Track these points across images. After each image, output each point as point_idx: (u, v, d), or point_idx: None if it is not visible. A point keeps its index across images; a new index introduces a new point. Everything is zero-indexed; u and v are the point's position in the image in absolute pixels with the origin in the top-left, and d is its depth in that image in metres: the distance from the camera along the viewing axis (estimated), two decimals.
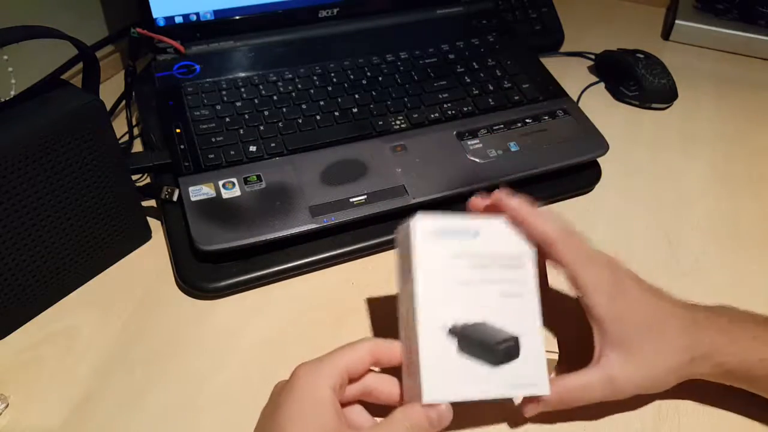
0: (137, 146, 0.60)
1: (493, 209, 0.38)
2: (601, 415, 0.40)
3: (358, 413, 0.36)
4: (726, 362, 0.37)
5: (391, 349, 0.36)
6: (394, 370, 0.36)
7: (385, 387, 0.36)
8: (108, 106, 0.53)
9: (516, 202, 0.37)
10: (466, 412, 0.40)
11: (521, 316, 0.36)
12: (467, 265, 0.35)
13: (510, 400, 0.39)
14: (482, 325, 0.35)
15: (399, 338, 0.36)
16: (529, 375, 0.35)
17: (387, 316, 0.46)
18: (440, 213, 0.36)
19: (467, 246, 0.36)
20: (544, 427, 0.39)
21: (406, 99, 0.58)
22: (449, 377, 0.34)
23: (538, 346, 0.36)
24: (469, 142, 0.55)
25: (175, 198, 0.49)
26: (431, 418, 0.33)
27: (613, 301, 0.36)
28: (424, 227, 0.35)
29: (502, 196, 0.38)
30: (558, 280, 0.42)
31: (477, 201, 0.40)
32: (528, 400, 0.37)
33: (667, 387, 0.38)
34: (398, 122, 0.56)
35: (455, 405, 0.34)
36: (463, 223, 0.36)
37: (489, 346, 0.34)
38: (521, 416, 0.38)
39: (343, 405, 0.35)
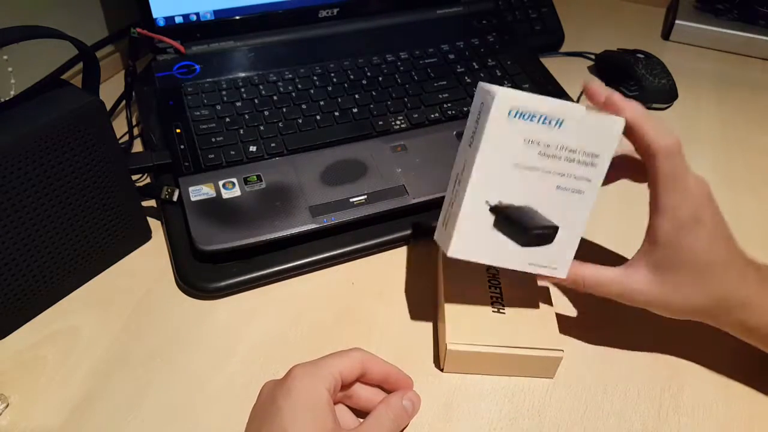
0: (137, 146, 0.60)
1: (607, 107, 0.36)
2: (601, 414, 0.40)
3: (342, 413, 0.37)
4: (748, 320, 0.37)
5: (379, 365, 0.37)
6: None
7: (368, 394, 0.38)
8: (108, 106, 0.53)
9: (632, 104, 0.35)
10: (469, 412, 0.40)
11: (572, 212, 0.36)
12: (537, 151, 0.34)
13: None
14: (526, 209, 0.36)
15: (448, 185, 0.38)
16: (553, 260, 0.37)
17: (387, 316, 0.46)
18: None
19: (544, 132, 0.34)
20: (542, 424, 0.39)
21: (406, 99, 0.58)
22: (477, 241, 0.36)
23: (574, 240, 0.37)
24: None
25: (175, 198, 0.49)
26: (407, 407, 0.37)
27: (678, 231, 0.36)
28: (506, 99, 0.33)
29: (617, 98, 0.35)
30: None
31: (594, 88, 0.36)
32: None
33: (676, 317, 0.39)
34: (398, 122, 0.56)
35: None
36: (551, 107, 0.34)
37: (524, 230, 0.36)
38: None
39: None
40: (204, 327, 0.45)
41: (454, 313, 0.41)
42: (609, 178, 0.41)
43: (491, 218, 0.35)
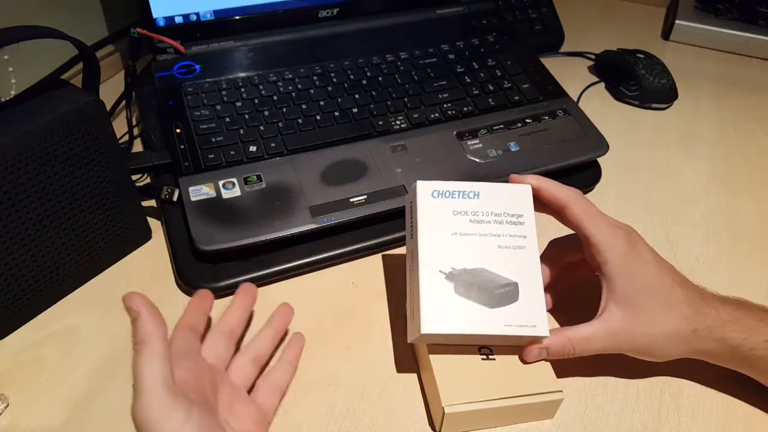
0: (137, 146, 0.60)
1: None
2: (601, 414, 0.40)
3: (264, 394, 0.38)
4: (730, 338, 0.37)
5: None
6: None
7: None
8: (108, 106, 0.53)
9: (531, 175, 0.40)
10: None
11: (522, 266, 0.38)
12: (467, 219, 0.39)
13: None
14: (481, 270, 0.37)
15: (405, 290, 0.41)
16: (528, 317, 0.37)
17: (387, 315, 0.46)
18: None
19: (467, 204, 0.39)
20: (542, 424, 0.39)
21: (406, 99, 0.58)
22: (447, 313, 0.36)
23: (538, 292, 0.38)
24: (469, 142, 0.55)
25: (175, 198, 0.49)
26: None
27: (625, 259, 0.37)
28: (427, 186, 0.39)
29: (517, 176, 0.40)
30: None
31: (514, 178, 0.41)
32: (530, 347, 0.38)
33: (668, 356, 0.39)
34: (398, 122, 0.56)
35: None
36: (464, 185, 0.39)
37: (486, 289, 0.37)
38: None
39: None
40: None
41: (442, 367, 0.38)
42: (563, 285, 0.44)
43: (451, 287, 0.37)
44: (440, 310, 0.36)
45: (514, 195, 0.39)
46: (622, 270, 0.37)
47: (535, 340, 0.38)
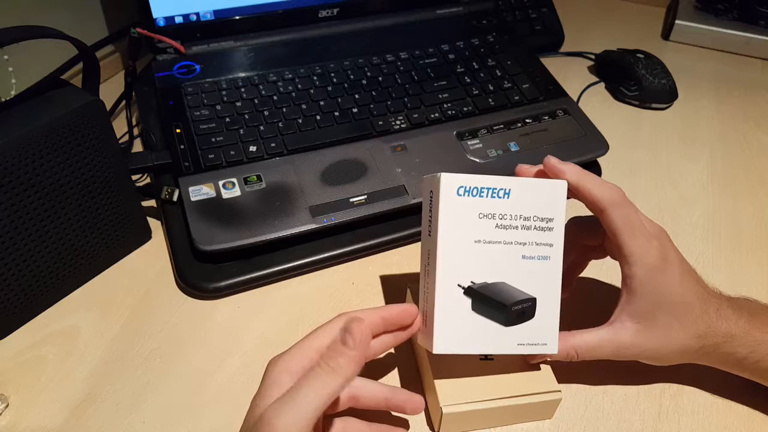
0: (137, 146, 0.60)
1: (543, 175, 0.37)
2: (601, 414, 0.40)
3: (352, 424, 0.37)
4: (736, 353, 0.37)
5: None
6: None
7: (368, 390, 0.36)
8: (108, 106, 0.53)
9: (570, 166, 0.36)
10: None
11: (543, 279, 0.36)
12: (493, 224, 0.35)
13: None
14: (501, 285, 0.35)
15: (419, 284, 0.37)
16: (541, 335, 0.36)
17: None
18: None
19: (495, 205, 0.35)
20: (542, 424, 0.39)
21: (406, 99, 0.58)
22: (461, 331, 0.35)
23: (555, 308, 0.36)
24: (469, 142, 0.55)
25: (175, 198, 0.49)
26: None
27: (652, 275, 0.36)
28: (452, 182, 0.34)
29: (554, 161, 0.37)
30: None
31: (525, 168, 0.38)
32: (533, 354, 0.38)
33: (667, 364, 0.39)
34: (398, 122, 0.56)
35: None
36: (494, 181, 0.35)
37: (503, 307, 0.35)
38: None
39: (335, 414, 0.36)
40: (204, 327, 0.45)
41: (440, 366, 0.38)
42: (579, 267, 0.43)
43: (468, 302, 0.35)
44: (454, 330, 0.35)
45: (548, 193, 0.36)
46: (646, 287, 0.36)
47: None
